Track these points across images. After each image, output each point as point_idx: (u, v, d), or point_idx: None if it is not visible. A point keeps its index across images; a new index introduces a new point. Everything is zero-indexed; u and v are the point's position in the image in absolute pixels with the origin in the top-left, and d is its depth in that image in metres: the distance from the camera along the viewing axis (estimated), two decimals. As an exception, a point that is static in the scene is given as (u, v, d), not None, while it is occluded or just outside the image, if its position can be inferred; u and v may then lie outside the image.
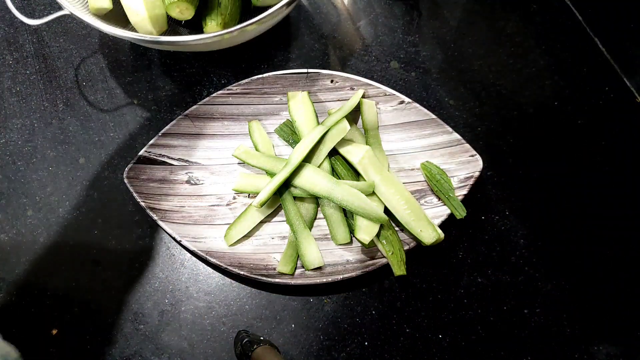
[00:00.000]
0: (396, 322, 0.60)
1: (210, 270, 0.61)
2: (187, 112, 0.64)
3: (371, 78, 0.66)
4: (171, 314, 0.59)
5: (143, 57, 0.73)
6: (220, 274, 0.62)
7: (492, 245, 0.64)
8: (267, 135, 0.65)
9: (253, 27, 0.58)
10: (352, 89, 0.65)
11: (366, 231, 0.57)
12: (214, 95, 0.64)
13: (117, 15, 0.64)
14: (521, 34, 0.75)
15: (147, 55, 0.73)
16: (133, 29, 0.64)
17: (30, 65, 0.73)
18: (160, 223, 0.59)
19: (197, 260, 0.62)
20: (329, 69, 0.67)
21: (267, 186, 0.59)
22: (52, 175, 0.65)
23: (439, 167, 0.62)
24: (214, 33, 0.57)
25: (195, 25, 0.70)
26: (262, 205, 0.58)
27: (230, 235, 0.60)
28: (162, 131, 0.63)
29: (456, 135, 0.63)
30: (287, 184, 0.61)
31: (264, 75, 0.64)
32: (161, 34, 0.64)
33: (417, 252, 0.62)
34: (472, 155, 0.63)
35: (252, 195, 0.63)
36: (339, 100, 0.66)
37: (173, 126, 0.63)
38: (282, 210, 0.63)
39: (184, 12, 0.61)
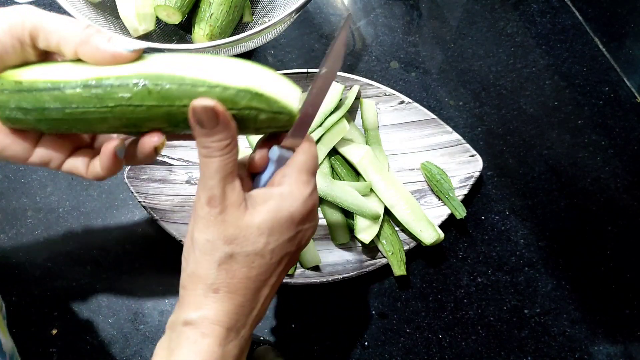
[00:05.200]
0: (396, 322, 0.60)
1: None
2: (187, 112, 0.64)
3: (371, 78, 0.66)
4: (171, 314, 0.59)
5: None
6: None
7: (492, 245, 0.64)
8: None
9: (230, 45, 0.55)
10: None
11: (366, 231, 0.57)
12: (214, 95, 0.64)
13: (111, 6, 0.65)
14: (521, 34, 0.75)
15: (147, 55, 0.73)
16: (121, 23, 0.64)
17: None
18: (161, 223, 0.59)
19: (197, 260, 0.62)
20: (329, 69, 0.67)
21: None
22: (52, 175, 0.65)
23: (439, 167, 0.62)
24: (182, 46, 0.55)
25: (189, 28, 0.70)
26: None
27: (230, 235, 0.60)
28: (162, 131, 0.63)
29: (456, 135, 0.63)
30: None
31: (264, 75, 0.64)
32: (148, 33, 0.64)
33: (417, 252, 0.62)
34: (472, 155, 0.63)
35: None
36: (339, 100, 0.66)
37: (173, 126, 0.63)
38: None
39: (171, 16, 0.62)
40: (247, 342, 0.33)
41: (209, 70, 0.31)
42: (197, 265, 0.32)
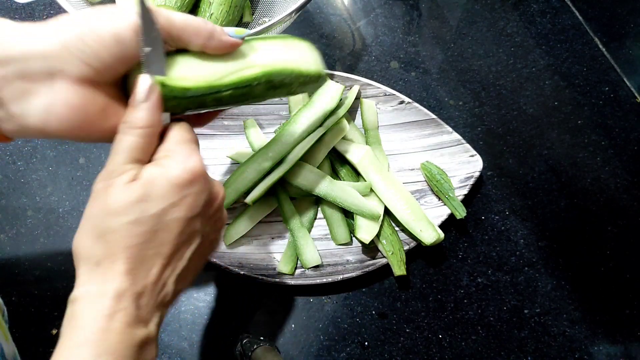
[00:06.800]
0: (396, 322, 0.60)
1: (210, 270, 0.62)
2: (187, 112, 0.64)
3: (371, 78, 0.66)
4: (171, 314, 0.59)
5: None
6: (220, 274, 0.62)
7: (492, 245, 0.64)
8: (262, 134, 0.65)
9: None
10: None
11: (366, 231, 0.57)
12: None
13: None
14: (521, 34, 0.75)
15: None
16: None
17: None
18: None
19: (197, 260, 0.62)
20: (329, 69, 0.67)
21: (260, 184, 0.59)
22: (52, 175, 0.65)
23: (439, 167, 0.62)
24: None
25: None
26: (253, 202, 0.58)
27: (230, 234, 0.60)
28: (162, 131, 0.63)
29: (456, 135, 0.63)
30: (282, 184, 0.61)
31: (264, 75, 0.64)
32: None
33: (417, 252, 0.62)
34: (472, 155, 0.63)
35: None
36: (339, 100, 0.66)
37: (173, 126, 0.63)
38: (282, 210, 0.63)
39: None
40: (153, 312, 0.33)
41: (300, 57, 0.40)
42: (78, 243, 0.32)
